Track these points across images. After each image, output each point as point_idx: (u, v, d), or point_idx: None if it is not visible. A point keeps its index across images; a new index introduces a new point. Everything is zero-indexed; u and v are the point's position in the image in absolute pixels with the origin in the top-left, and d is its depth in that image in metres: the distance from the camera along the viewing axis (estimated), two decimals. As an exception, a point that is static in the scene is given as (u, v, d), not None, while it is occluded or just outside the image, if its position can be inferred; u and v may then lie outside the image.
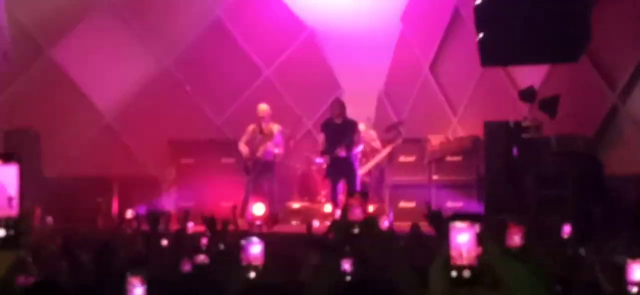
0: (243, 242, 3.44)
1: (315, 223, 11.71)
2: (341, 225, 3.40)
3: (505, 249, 1.76)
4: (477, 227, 1.82)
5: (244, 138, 12.89)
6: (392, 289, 3.13)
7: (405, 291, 3.31)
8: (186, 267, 7.41)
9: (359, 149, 12.96)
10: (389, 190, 13.76)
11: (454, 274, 1.81)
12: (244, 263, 3.41)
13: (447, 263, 1.82)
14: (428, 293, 3.38)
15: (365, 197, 3.34)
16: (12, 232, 1.59)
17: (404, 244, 5.04)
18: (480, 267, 1.80)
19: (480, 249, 1.81)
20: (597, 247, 7.05)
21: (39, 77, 15.39)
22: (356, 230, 3.40)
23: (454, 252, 1.83)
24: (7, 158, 1.65)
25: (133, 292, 3.43)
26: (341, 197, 12.63)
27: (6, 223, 1.60)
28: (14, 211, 1.62)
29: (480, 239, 1.81)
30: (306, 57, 16.39)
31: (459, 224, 1.84)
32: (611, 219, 10.30)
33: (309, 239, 7.42)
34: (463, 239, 1.82)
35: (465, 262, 1.81)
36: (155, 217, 10.90)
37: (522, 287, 1.81)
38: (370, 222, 3.45)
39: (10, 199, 1.62)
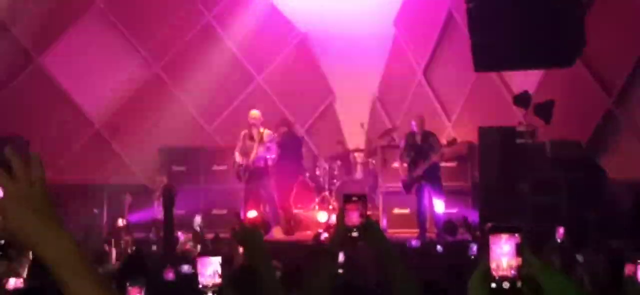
0: (198, 261, 2.82)
1: (324, 234, 11.58)
2: (340, 230, 3.21)
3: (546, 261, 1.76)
4: (517, 238, 1.83)
5: (238, 145, 12.74)
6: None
7: None
8: (169, 275, 7.24)
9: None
10: (383, 197, 13.60)
11: (493, 285, 1.82)
12: (200, 285, 2.83)
13: (487, 274, 1.83)
14: None
15: (363, 200, 3.17)
16: (1, 241, 1.55)
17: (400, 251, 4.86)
18: (521, 279, 1.81)
19: (520, 260, 1.82)
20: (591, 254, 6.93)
21: (28, 84, 15.22)
22: (355, 234, 3.23)
23: (493, 263, 1.83)
24: None
25: None
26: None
27: None
28: None
29: (521, 250, 1.83)
30: (298, 62, 16.25)
31: (499, 235, 1.84)
32: (605, 225, 10.20)
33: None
34: (503, 250, 1.83)
35: (505, 273, 1.83)
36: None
37: None
38: (369, 225, 3.27)
39: None
